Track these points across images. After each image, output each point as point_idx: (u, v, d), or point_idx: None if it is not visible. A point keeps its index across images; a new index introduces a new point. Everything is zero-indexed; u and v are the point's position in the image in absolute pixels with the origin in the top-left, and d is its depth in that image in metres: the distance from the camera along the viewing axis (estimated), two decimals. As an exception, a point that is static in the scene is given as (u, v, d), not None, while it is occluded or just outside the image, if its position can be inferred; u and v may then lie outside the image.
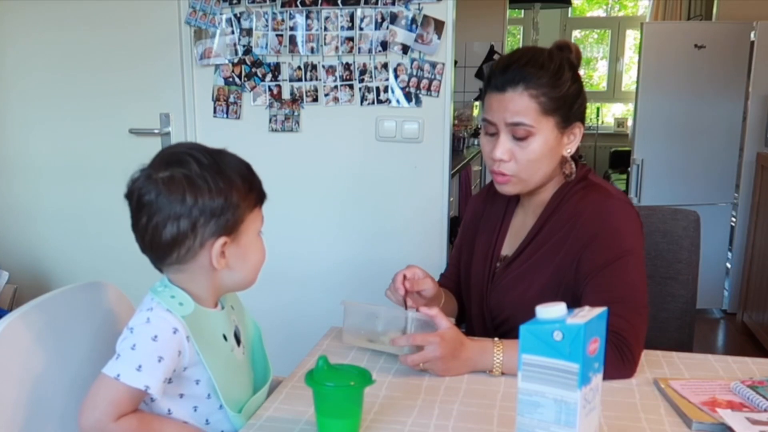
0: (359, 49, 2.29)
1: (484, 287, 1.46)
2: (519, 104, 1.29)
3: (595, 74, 7.43)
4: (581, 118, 1.37)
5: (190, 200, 0.99)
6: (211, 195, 0.99)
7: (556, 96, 1.30)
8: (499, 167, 1.34)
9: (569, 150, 1.37)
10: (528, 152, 1.31)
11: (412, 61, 2.27)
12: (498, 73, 1.32)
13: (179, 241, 1.00)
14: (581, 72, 1.41)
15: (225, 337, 1.10)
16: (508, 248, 1.46)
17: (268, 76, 2.38)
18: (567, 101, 1.32)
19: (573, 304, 0.87)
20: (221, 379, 1.05)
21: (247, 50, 2.37)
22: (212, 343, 1.06)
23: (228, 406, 1.06)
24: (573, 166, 1.39)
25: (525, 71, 1.29)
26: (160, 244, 1.01)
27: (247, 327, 1.20)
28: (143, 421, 1.02)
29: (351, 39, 2.29)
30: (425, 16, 2.23)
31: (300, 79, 2.36)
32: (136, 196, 1.01)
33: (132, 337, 1.00)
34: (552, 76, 1.30)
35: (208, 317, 1.07)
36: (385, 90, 2.31)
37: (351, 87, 2.33)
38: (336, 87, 2.34)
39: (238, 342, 1.14)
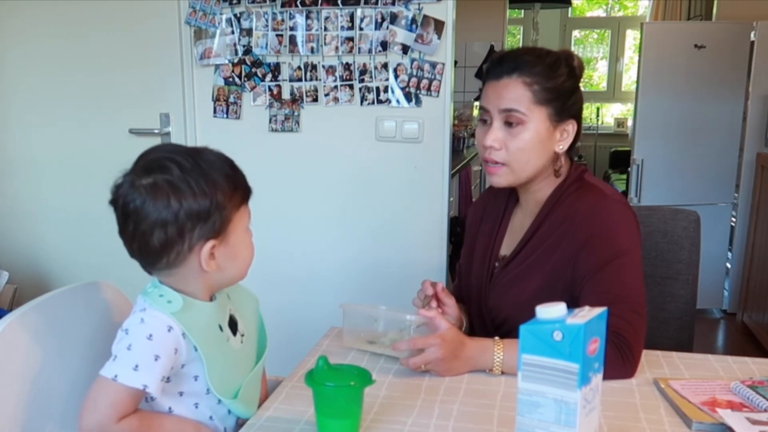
0: (359, 49, 2.29)
1: (483, 287, 1.46)
2: (513, 91, 1.32)
3: (595, 74, 7.43)
4: (576, 116, 1.38)
5: (176, 205, 0.98)
6: (195, 198, 0.99)
7: (549, 87, 1.32)
8: (490, 154, 1.35)
9: (561, 147, 1.37)
10: (519, 140, 1.32)
11: (412, 61, 2.27)
12: (495, 62, 1.36)
13: (168, 246, 1.00)
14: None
15: (221, 328, 1.10)
16: (506, 248, 1.46)
17: (268, 76, 2.38)
18: (561, 94, 1.33)
19: (571, 304, 0.87)
20: (217, 370, 1.05)
21: (247, 50, 2.37)
22: (208, 336, 1.06)
23: (222, 394, 1.06)
24: (563, 161, 1.39)
25: (521, 59, 1.33)
26: (150, 251, 1.01)
27: (244, 308, 1.18)
28: (144, 421, 1.02)
29: (351, 39, 2.29)
30: (425, 16, 2.23)
31: (300, 79, 2.36)
32: (121, 204, 1.00)
33: (127, 338, 1.00)
34: (547, 68, 1.33)
35: (199, 310, 1.06)
36: (385, 90, 2.31)
37: (351, 87, 2.33)
38: (336, 87, 2.34)
39: (234, 332, 1.14)
